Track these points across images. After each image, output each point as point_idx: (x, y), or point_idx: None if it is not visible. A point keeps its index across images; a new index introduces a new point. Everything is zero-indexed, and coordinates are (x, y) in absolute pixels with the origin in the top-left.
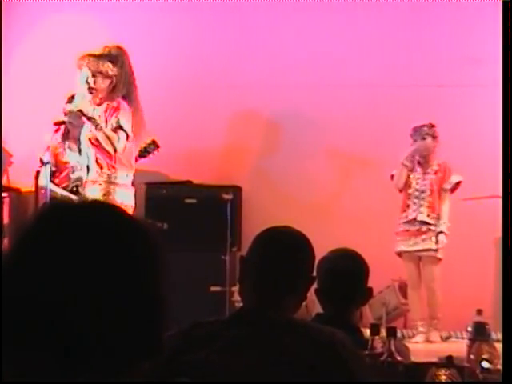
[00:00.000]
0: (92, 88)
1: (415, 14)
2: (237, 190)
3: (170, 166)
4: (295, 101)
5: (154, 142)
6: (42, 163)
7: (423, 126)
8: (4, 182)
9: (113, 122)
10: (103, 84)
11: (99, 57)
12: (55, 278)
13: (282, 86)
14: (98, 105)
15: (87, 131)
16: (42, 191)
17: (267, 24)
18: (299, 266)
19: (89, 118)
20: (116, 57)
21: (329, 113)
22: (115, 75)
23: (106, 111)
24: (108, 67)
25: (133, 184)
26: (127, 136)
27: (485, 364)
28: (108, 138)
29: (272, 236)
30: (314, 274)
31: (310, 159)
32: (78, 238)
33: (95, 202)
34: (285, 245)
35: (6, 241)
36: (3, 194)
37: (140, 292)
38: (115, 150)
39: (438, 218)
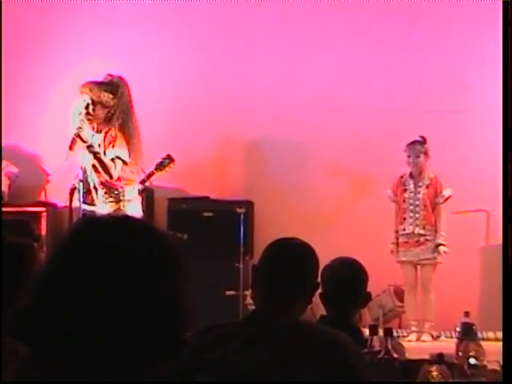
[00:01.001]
0: (90, 115)
1: (409, 45)
2: (249, 205)
3: (189, 184)
4: (301, 125)
5: (169, 157)
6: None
7: (415, 142)
8: (42, 198)
9: (111, 153)
10: (101, 113)
11: (100, 85)
12: (88, 286)
13: (289, 112)
14: (97, 131)
15: (88, 157)
16: (76, 206)
17: (266, 52)
18: (305, 274)
19: (88, 146)
20: (117, 87)
21: (331, 135)
22: (113, 105)
23: (104, 139)
24: (108, 97)
25: (140, 193)
26: (124, 163)
27: (472, 360)
28: (105, 165)
29: (281, 246)
30: (319, 280)
31: (314, 177)
32: (107, 249)
33: (123, 217)
34: (292, 254)
35: (43, 254)
36: (41, 209)
37: (164, 297)
38: (111, 177)
39: (435, 230)
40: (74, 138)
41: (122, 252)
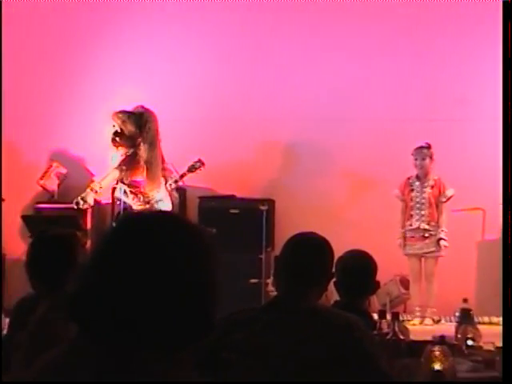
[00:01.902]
0: (116, 141)
1: (416, 62)
2: (271, 203)
3: (218, 183)
4: (318, 132)
5: (199, 161)
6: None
7: (422, 147)
8: None
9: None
10: (126, 142)
11: (129, 117)
12: (129, 275)
13: (308, 120)
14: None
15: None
16: (118, 203)
17: (290, 66)
18: (322, 264)
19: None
20: (145, 122)
21: (345, 141)
22: (138, 137)
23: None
24: (134, 131)
25: (171, 191)
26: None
27: (469, 342)
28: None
29: (300, 240)
30: (333, 270)
31: (329, 178)
32: (147, 241)
33: (161, 212)
34: (310, 247)
35: (88, 245)
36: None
37: (198, 285)
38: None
39: (438, 226)
40: None
41: (160, 244)
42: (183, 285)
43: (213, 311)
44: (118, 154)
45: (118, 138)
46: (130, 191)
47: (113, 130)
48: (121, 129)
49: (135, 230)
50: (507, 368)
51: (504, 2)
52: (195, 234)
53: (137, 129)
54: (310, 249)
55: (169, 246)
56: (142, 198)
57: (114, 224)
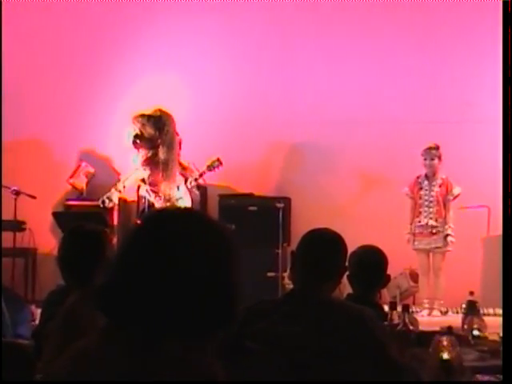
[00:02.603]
0: (136, 143)
1: (423, 68)
2: (287, 201)
3: (237, 182)
4: (330, 134)
5: (218, 160)
6: (142, 179)
7: (431, 148)
8: None
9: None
10: (145, 144)
11: (149, 120)
12: (155, 268)
13: (320, 123)
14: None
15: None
16: (142, 201)
17: (303, 73)
18: (335, 258)
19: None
20: (163, 125)
21: (356, 143)
22: (157, 140)
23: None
24: (153, 133)
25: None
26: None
27: (475, 332)
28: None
29: (315, 235)
30: (347, 264)
31: (342, 178)
32: (171, 236)
33: (185, 209)
34: (325, 242)
35: (115, 240)
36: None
37: (222, 278)
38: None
39: (445, 222)
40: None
41: (184, 238)
42: (206, 279)
43: (235, 303)
44: (138, 156)
45: (138, 141)
46: (152, 190)
47: (133, 133)
48: (141, 131)
49: (159, 226)
50: (507, 368)
51: (504, 2)
52: (217, 230)
53: (156, 131)
54: (325, 244)
55: (191, 241)
56: (163, 196)
57: (138, 221)
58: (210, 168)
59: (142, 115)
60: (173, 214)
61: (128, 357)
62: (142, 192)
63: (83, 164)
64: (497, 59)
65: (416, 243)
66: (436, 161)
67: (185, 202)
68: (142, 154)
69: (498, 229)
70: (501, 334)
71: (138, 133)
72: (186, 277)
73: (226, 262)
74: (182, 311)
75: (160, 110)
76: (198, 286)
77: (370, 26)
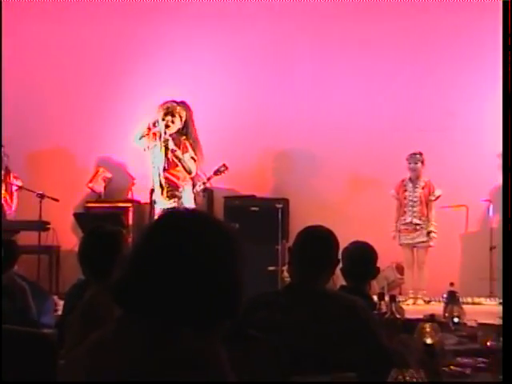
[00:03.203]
0: (169, 124)
1: (409, 80)
2: (286, 201)
3: (240, 185)
4: (324, 141)
5: (224, 165)
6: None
7: (415, 153)
8: (129, 196)
9: (187, 155)
10: (178, 123)
11: (178, 104)
12: (167, 264)
13: (316, 131)
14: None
15: (162, 157)
16: (154, 204)
17: (297, 85)
18: (329, 252)
19: (165, 141)
20: (184, 108)
21: (346, 149)
22: (186, 120)
23: (179, 146)
24: (181, 111)
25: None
26: (194, 160)
27: (455, 319)
28: (185, 163)
29: (309, 232)
30: (340, 257)
31: (335, 181)
32: (182, 235)
33: (196, 211)
34: (318, 238)
35: (130, 239)
36: (128, 205)
37: (228, 273)
38: (190, 173)
39: (427, 220)
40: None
41: (194, 237)
42: (214, 274)
43: (239, 295)
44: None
45: (171, 123)
46: (167, 180)
47: (164, 113)
48: (172, 113)
49: (172, 225)
50: (507, 368)
51: (504, 2)
52: (223, 230)
53: (184, 112)
54: (318, 239)
55: (201, 240)
56: (175, 191)
57: (153, 220)
58: (217, 173)
59: (170, 101)
60: (184, 215)
61: (143, 346)
62: (154, 196)
63: (101, 170)
64: (477, 72)
65: (402, 238)
66: (419, 165)
67: (188, 201)
68: (171, 132)
69: (475, 226)
70: (478, 321)
71: (170, 111)
72: (195, 271)
73: (232, 258)
74: (192, 303)
75: (174, 101)
76: (206, 280)
77: (359, 37)
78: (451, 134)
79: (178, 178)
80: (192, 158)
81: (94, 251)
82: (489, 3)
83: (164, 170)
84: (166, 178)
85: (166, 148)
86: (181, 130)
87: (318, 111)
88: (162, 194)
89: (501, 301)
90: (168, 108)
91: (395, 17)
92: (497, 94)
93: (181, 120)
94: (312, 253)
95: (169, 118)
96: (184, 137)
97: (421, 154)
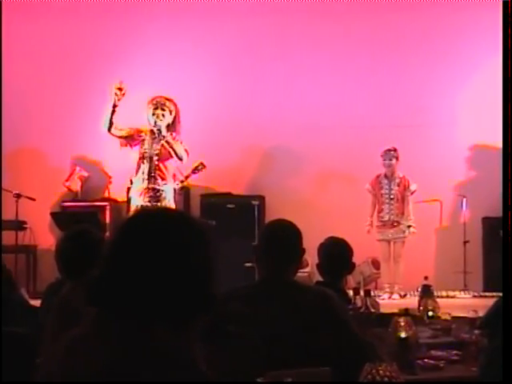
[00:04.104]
0: (160, 116)
1: (380, 75)
2: (261, 198)
3: (216, 182)
4: (300, 138)
5: (202, 164)
6: (131, 182)
7: (390, 150)
8: (105, 195)
9: (180, 146)
10: (168, 116)
11: (162, 98)
12: (139, 261)
13: (292, 128)
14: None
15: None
16: (131, 201)
17: (276, 85)
18: (293, 244)
19: (158, 130)
20: (172, 103)
21: (322, 145)
22: (175, 115)
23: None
24: (171, 106)
25: (179, 191)
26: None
27: (430, 313)
28: (177, 151)
29: (273, 226)
30: (304, 247)
31: (310, 177)
32: (152, 232)
33: (166, 209)
34: (282, 231)
35: (108, 235)
36: (105, 204)
37: (199, 267)
38: (181, 159)
39: (405, 215)
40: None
41: (164, 235)
42: (187, 270)
43: (212, 291)
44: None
45: (162, 116)
46: (160, 175)
47: (155, 106)
48: (161, 107)
49: (143, 224)
50: (507, 368)
51: (504, 2)
52: (194, 225)
53: (173, 106)
54: (282, 232)
55: (172, 237)
56: (152, 194)
57: (124, 220)
58: (195, 171)
59: (157, 96)
60: (155, 213)
61: (118, 345)
62: (131, 193)
63: (77, 168)
64: (449, 68)
65: (379, 234)
66: (394, 161)
67: (171, 203)
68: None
69: (448, 220)
70: (452, 314)
71: (160, 104)
72: (168, 269)
73: (204, 253)
74: (166, 300)
75: (162, 97)
76: (180, 277)
77: (334, 35)
78: (424, 130)
79: (165, 175)
80: (184, 149)
81: (70, 251)
82: (461, 1)
83: (157, 159)
84: (157, 166)
85: (159, 138)
86: (170, 124)
87: (292, 109)
88: (145, 181)
89: (474, 294)
90: (157, 102)
91: (369, 15)
92: (468, 89)
93: (170, 114)
94: (279, 245)
95: (159, 111)
96: (172, 133)
97: (395, 150)
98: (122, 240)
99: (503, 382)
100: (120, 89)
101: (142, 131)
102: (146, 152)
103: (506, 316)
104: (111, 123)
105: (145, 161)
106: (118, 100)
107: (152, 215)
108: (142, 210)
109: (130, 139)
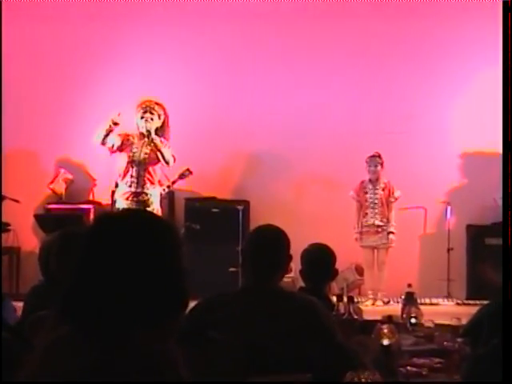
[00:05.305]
0: (149, 120)
1: (367, 82)
2: (246, 203)
3: (201, 187)
4: (286, 143)
5: (188, 170)
6: (116, 185)
7: (374, 156)
8: (90, 197)
9: (168, 151)
10: (156, 120)
11: (151, 102)
12: (108, 267)
13: (278, 133)
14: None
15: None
16: (115, 204)
17: (261, 90)
18: (281, 251)
19: (148, 131)
20: (160, 107)
21: (308, 151)
22: (164, 119)
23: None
24: (160, 110)
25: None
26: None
27: (413, 320)
28: (164, 155)
29: (260, 232)
30: (291, 253)
31: (296, 182)
32: (121, 238)
33: (130, 210)
34: (270, 237)
35: None
36: (90, 206)
37: (169, 266)
38: (167, 163)
39: (388, 221)
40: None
41: (130, 237)
42: (157, 270)
43: (184, 289)
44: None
45: (150, 120)
46: (148, 179)
47: (144, 110)
48: (150, 110)
49: (107, 229)
50: (507, 368)
51: (504, 2)
52: (161, 226)
53: (162, 111)
54: (270, 239)
55: (138, 239)
56: (139, 198)
57: (89, 226)
58: (181, 177)
59: (146, 100)
60: (118, 216)
61: (94, 351)
62: (116, 196)
63: (62, 171)
64: (435, 76)
65: (363, 241)
66: (379, 167)
67: (156, 207)
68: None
69: (433, 227)
70: (435, 321)
71: (149, 109)
72: (138, 271)
73: (172, 252)
74: (139, 302)
75: (151, 101)
76: (150, 278)
77: (322, 41)
78: (409, 136)
79: (154, 178)
80: (172, 154)
81: (51, 255)
82: (449, 5)
83: (146, 163)
84: (146, 170)
85: (149, 140)
86: (159, 128)
87: (278, 114)
88: (133, 185)
89: (458, 301)
90: (146, 106)
91: (359, 21)
92: (455, 96)
93: (159, 118)
94: (265, 253)
95: (148, 115)
96: (160, 138)
97: (379, 156)
98: (88, 248)
99: (503, 381)
100: (116, 123)
101: (129, 135)
102: (134, 156)
103: (506, 316)
104: (104, 142)
105: (133, 164)
106: (111, 131)
107: (115, 218)
108: (104, 214)
109: (121, 146)
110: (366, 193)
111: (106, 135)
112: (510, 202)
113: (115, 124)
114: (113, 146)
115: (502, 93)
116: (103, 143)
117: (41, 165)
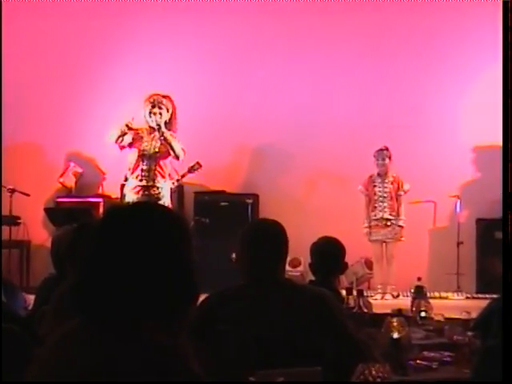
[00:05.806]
0: (157, 113)
1: (374, 75)
2: (255, 197)
3: (210, 180)
4: (295, 137)
5: (198, 163)
6: (125, 179)
7: (382, 149)
8: (99, 191)
9: (178, 145)
10: (165, 114)
11: (159, 96)
12: (118, 260)
13: (287, 127)
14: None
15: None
16: (125, 198)
17: (270, 85)
18: (280, 242)
19: (158, 125)
20: (169, 101)
21: (317, 145)
22: (172, 113)
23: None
24: (168, 103)
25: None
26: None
27: (422, 314)
28: (175, 148)
29: (260, 226)
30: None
31: (304, 176)
32: (131, 229)
33: (139, 204)
34: (271, 230)
35: None
36: (99, 200)
37: (180, 259)
38: (177, 158)
39: (397, 215)
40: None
41: (140, 229)
42: (166, 264)
43: (194, 283)
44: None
45: (159, 114)
46: (159, 173)
47: (152, 105)
48: (158, 105)
49: (118, 221)
50: (507, 368)
51: (504, 2)
52: (171, 219)
53: (170, 104)
54: (271, 232)
55: (150, 232)
56: (150, 192)
57: (99, 219)
58: (191, 170)
59: (155, 94)
60: (129, 209)
61: (105, 344)
62: (125, 190)
63: (72, 165)
64: (446, 69)
65: (373, 235)
66: (387, 161)
67: (167, 200)
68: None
69: (442, 221)
70: (445, 315)
71: (156, 103)
72: (148, 263)
73: (183, 244)
74: (149, 294)
75: (159, 94)
76: (160, 270)
77: (328, 34)
78: (418, 130)
79: (164, 172)
80: (181, 147)
81: (64, 248)
82: (461, 2)
83: (157, 157)
84: (157, 164)
85: (159, 134)
86: (167, 122)
87: (287, 108)
88: (144, 179)
89: (467, 295)
90: (154, 100)
91: (366, 15)
92: (465, 89)
93: (167, 112)
94: (268, 246)
95: (156, 109)
96: (170, 132)
97: (387, 149)
98: (98, 240)
99: (503, 381)
100: (130, 128)
101: (138, 130)
102: (145, 150)
103: (506, 316)
104: (117, 141)
105: (144, 158)
106: (125, 134)
107: (125, 211)
108: (114, 207)
109: (132, 142)
110: (375, 187)
111: (119, 136)
112: (509, 201)
113: (130, 129)
114: (123, 142)
115: (503, 93)
116: (116, 142)
117: (51, 159)
